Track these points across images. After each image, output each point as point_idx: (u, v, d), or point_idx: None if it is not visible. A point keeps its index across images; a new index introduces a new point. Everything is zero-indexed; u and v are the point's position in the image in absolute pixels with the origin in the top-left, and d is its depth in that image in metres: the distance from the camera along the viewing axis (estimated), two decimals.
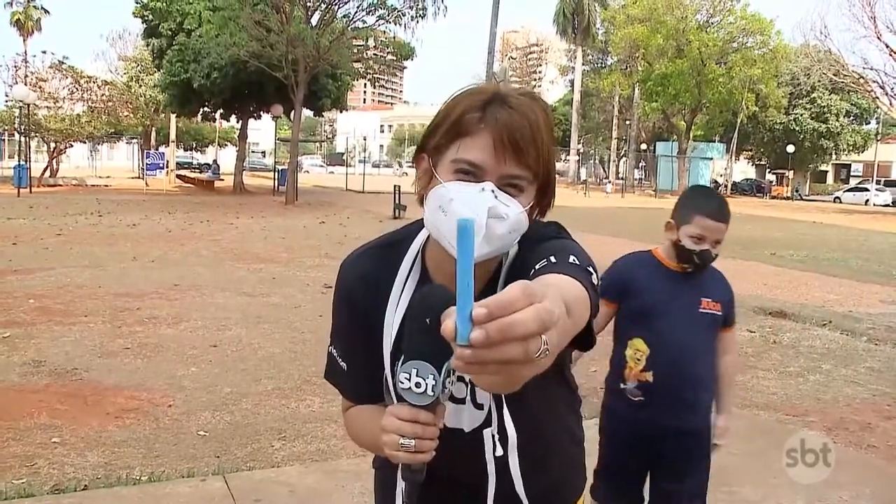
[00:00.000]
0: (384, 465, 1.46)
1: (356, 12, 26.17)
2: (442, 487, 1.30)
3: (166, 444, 4.11)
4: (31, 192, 25.44)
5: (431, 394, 1.00)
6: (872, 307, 9.21)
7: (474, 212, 1.09)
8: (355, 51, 28.53)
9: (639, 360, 2.41)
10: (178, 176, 40.99)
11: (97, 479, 3.61)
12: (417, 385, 0.99)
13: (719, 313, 2.43)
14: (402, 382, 1.00)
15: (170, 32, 30.09)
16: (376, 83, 33.12)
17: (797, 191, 52.59)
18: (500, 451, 1.27)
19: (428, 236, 1.27)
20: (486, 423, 1.29)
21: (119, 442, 4.11)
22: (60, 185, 32.49)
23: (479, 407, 1.29)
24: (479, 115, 1.14)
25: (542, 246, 1.17)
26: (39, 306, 7.35)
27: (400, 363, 1.00)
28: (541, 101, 1.19)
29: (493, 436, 1.27)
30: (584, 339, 1.06)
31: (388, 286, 1.27)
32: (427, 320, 0.96)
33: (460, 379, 1.26)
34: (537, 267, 1.09)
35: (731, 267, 11.65)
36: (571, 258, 1.11)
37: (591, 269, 1.11)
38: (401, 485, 1.29)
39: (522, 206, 1.16)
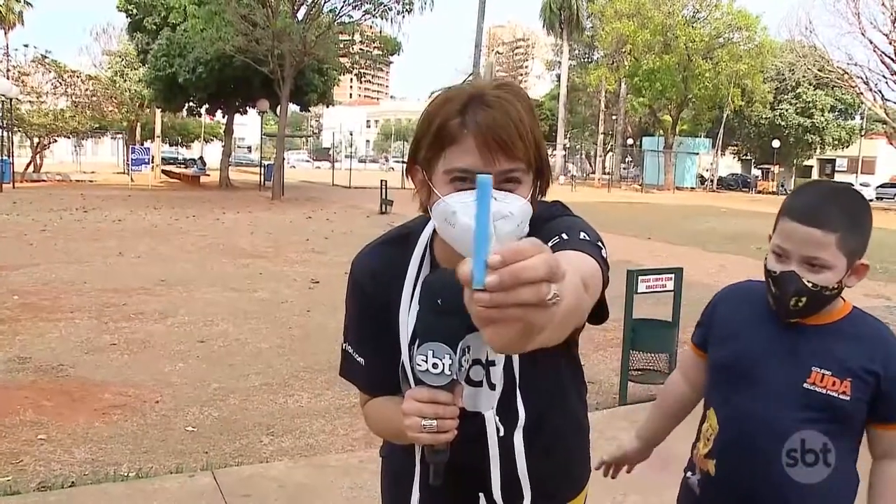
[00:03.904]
0: (392, 452, 1.47)
1: (342, 7, 26.15)
2: (455, 474, 1.31)
3: (154, 440, 4.09)
4: (13, 187, 25.22)
5: (448, 373, 1.03)
6: (857, 301, 9.13)
7: None
8: (341, 45, 28.43)
9: (708, 440, 1.65)
10: (164, 171, 40.82)
11: (84, 476, 3.59)
12: (434, 366, 1.02)
13: (846, 397, 1.49)
14: (420, 365, 1.03)
15: (155, 27, 29.94)
16: (362, 78, 32.98)
17: (783, 185, 52.93)
18: (502, 432, 1.28)
19: (435, 229, 1.29)
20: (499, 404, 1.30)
21: (106, 438, 4.08)
22: (44, 181, 32.28)
23: (493, 387, 1.30)
24: (459, 120, 1.15)
25: (551, 224, 1.20)
26: (24, 302, 7.29)
27: (416, 346, 1.03)
28: (518, 90, 1.20)
29: (494, 418, 1.28)
30: (598, 313, 1.11)
31: (399, 279, 1.28)
32: (439, 301, 0.98)
33: (476, 362, 1.28)
34: (550, 244, 1.11)
35: (717, 262, 11.75)
36: (582, 234, 1.14)
37: (600, 243, 1.15)
38: (417, 469, 1.32)
39: (524, 196, 1.16)
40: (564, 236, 1.13)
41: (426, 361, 1.02)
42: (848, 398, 1.49)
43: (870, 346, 1.53)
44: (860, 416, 1.52)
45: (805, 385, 1.51)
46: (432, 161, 1.19)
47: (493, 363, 1.29)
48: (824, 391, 1.50)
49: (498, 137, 1.12)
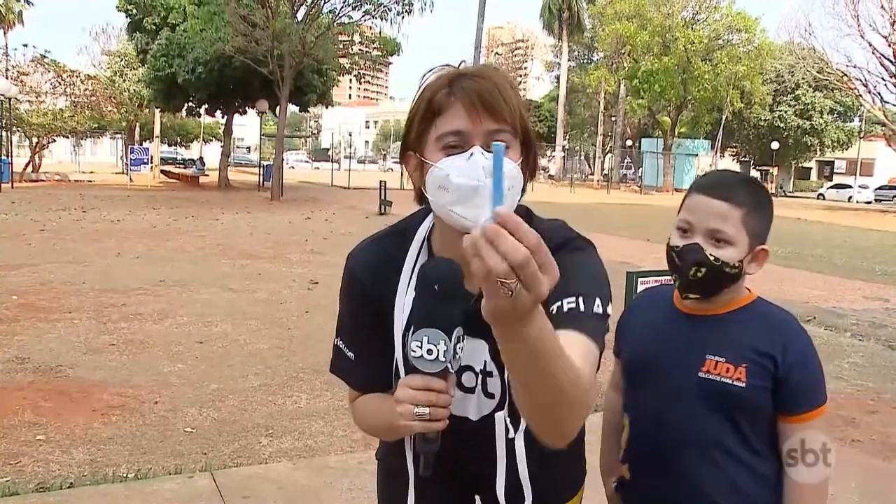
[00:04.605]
0: (388, 454, 1.47)
1: (342, 7, 26.10)
2: (450, 476, 1.31)
3: (153, 441, 4.08)
4: (12, 187, 25.19)
5: (443, 359, 1.03)
6: (856, 303, 9.28)
7: (473, 177, 1.13)
8: (341, 46, 28.44)
9: (622, 444, 1.67)
10: (163, 171, 40.78)
11: (83, 477, 3.58)
12: (429, 352, 1.02)
13: (740, 384, 1.45)
14: (414, 351, 1.03)
15: (154, 27, 29.93)
16: (362, 79, 32.99)
17: (781, 187, 52.95)
18: (511, 433, 1.29)
19: (433, 224, 1.31)
20: (497, 408, 1.31)
21: (105, 439, 4.08)
22: (43, 181, 32.23)
23: (490, 396, 1.31)
24: (447, 90, 1.19)
25: (565, 260, 1.23)
26: (23, 303, 7.28)
27: (411, 332, 1.03)
28: (502, 72, 1.27)
29: (504, 418, 1.29)
30: None
31: (395, 273, 1.30)
32: (436, 287, 0.98)
33: (469, 368, 1.29)
34: (565, 308, 1.15)
35: None
36: (597, 304, 1.18)
37: (609, 308, 1.21)
38: (411, 470, 1.33)
39: (513, 160, 1.19)
40: (581, 305, 1.16)
41: (420, 347, 1.02)
42: (743, 385, 1.45)
43: (769, 330, 1.49)
44: (763, 405, 1.47)
45: (699, 374, 1.48)
46: (423, 135, 1.21)
47: (489, 374, 1.30)
48: (718, 378, 1.46)
49: (483, 99, 1.17)
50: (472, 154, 1.14)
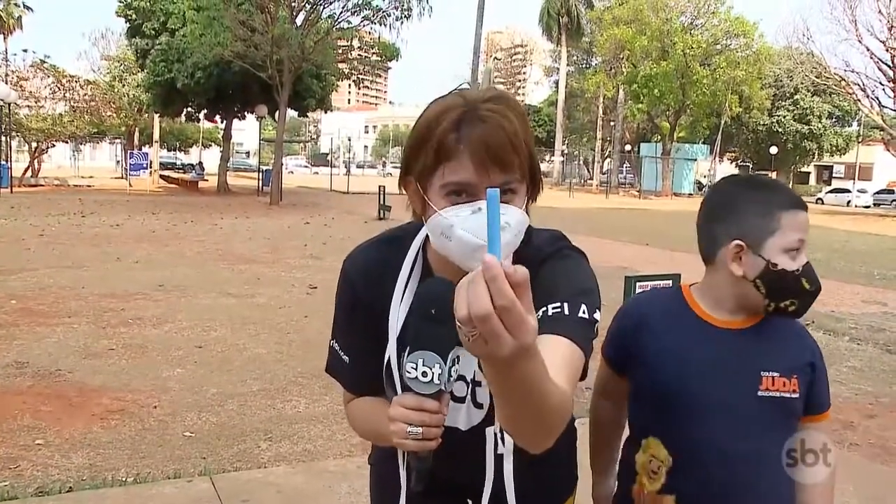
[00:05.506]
0: (380, 460, 1.48)
1: (341, 13, 26.19)
2: (441, 487, 1.31)
3: (152, 446, 4.08)
4: (11, 191, 25.19)
5: (437, 382, 1.03)
6: (855, 307, 9.29)
7: (477, 234, 1.12)
8: (340, 51, 28.51)
9: (655, 473, 1.48)
10: (162, 176, 40.86)
11: (82, 481, 3.58)
12: (424, 374, 1.02)
13: (794, 395, 1.43)
14: (409, 372, 1.03)
15: (153, 32, 30.00)
16: (361, 84, 32.98)
17: None
18: (500, 449, 1.29)
19: (427, 235, 1.30)
20: (486, 421, 1.31)
21: (104, 443, 4.08)
22: (42, 185, 32.25)
23: (479, 406, 1.31)
24: (455, 135, 1.15)
25: (555, 266, 1.24)
26: (22, 307, 7.28)
27: (406, 353, 1.03)
28: (510, 100, 1.20)
29: (495, 434, 1.29)
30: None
31: (391, 280, 1.30)
32: (433, 311, 0.99)
33: (461, 378, 1.29)
34: (551, 311, 1.15)
35: None
36: (582, 309, 1.17)
37: (596, 314, 1.19)
38: (403, 478, 1.33)
39: (519, 206, 1.18)
40: (566, 309, 1.16)
41: (416, 369, 1.02)
42: (797, 395, 1.44)
43: (800, 338, 1.51)
44: (798, 413, 1.47)
45: (759, 393, 1.42)
46: (428, 176, 1.19)
47: (479, 384, 1.30)
48: (778, 394, 1.43)
49: (493, 153, 1.13)
50: (479, 209, 1.13)
